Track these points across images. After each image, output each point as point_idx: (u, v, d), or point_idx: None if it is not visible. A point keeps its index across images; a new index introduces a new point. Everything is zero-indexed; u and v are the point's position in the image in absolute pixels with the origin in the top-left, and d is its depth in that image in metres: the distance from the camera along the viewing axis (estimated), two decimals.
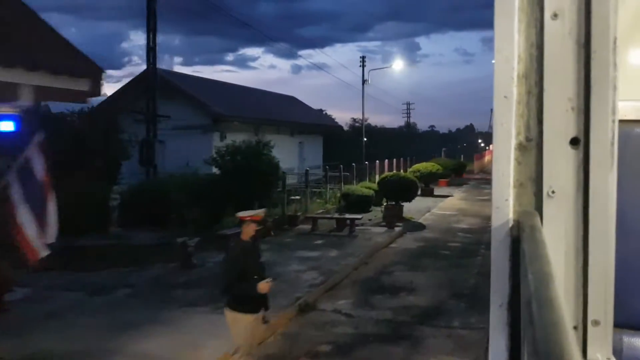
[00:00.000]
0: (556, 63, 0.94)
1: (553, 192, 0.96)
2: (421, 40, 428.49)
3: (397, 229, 14.46)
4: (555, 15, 0.93)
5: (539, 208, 0.97)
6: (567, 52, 0.93)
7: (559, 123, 0.95)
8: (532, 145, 0.97)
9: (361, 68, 28.76)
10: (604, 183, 0.93)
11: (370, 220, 16.65)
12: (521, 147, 0.98)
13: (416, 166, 24.49)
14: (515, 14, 0.95)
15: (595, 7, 0.91)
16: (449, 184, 30.98)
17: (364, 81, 27.34)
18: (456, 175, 38.95)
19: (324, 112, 78.04)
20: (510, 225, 0.98)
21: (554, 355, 0.51)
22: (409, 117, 65.01)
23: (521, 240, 0.88)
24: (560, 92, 0.94)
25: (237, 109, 24.52)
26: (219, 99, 24.29)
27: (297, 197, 20.57)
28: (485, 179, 38.26)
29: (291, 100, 36.27)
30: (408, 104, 64.52)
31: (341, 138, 47.65)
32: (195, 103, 22.67)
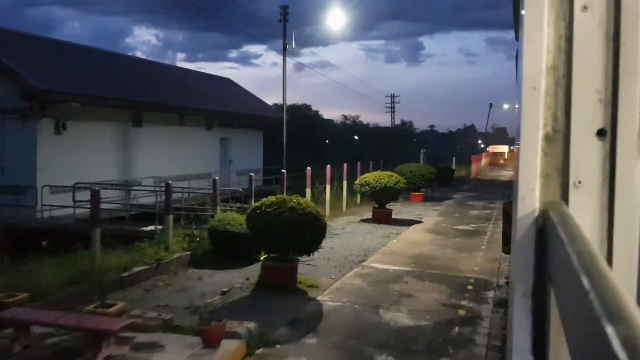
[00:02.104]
0: (585, 55, 0.95)
1: (579, 182, 0.96)
2: (425, 40, 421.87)
3: (227, 345, 6.01)
4: (585, 8, 0.94)
5: (564, 198, 0.97)
6: (596, 44, 0.94)
7: (586, 114, 0.95)
8: (559, 137, 0.98)
9: (282, 24, 19.88)
10: (630, 174, 0.94)
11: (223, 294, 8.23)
12: (548, 138, 0.98)
13: (366, 176, 16.02)
14: (544, 6, 0.96)
15: (625, 0, 0.92)
16: (425, 199, 22.59)
17: (285, 45, 18.80)
18: (441, 184, 30.56)
19: (315, 107, 69.58)
20: (536, 215, 0.98)
21: (622, 319, 0.48)
22: (393, 111, 56.26)
23: (549, 229, 0.89)
24: (588, 84, 0.95)
25: (87, 85, 16.03)
26: (55, 67, 15.82)
27: (155, 229, 12.38)
28: (477, 189, 29.77)
29: (220, 83, 27.67)
30: (392, 96, 55.61)
31: (298, 134, 39.33)
32: (4, 72, 14.23)
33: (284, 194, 15.26)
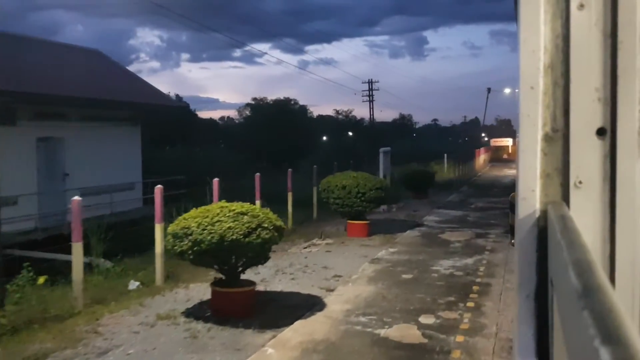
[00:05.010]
0: (582, 54, 0.94)
1: (580, 182, 0.95)
2: (429, 34, 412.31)
3: None
4: (581, 6, 0.93)
5: (565, 198, 0.96)
6: (593, 42, 0.93)
7: (586, 114, 0.95)
8: (559, 136, 0.97)
9: None
10: (631, 172, 0.93)
11: None
12: (547, 138, 0.97)
13: (188, 217, 7.22)
14: (541, 5, 0.95)
15: None
16: (373, 229, 13.69)
17: None
18: (416, 195, 21.79)
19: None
20: (537, 216, 0.97)
21: (616, 340, 0.47)
22: (371, 100, 47.20)
23: (550, 231, 0.88)
24: (586, 83, 0.94)
25: None
26: None
27: None
28: (465, 204, 20.87)
29: (74, 56, 18.66)
30: (370, 81, 46.44)
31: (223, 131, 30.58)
32: None
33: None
